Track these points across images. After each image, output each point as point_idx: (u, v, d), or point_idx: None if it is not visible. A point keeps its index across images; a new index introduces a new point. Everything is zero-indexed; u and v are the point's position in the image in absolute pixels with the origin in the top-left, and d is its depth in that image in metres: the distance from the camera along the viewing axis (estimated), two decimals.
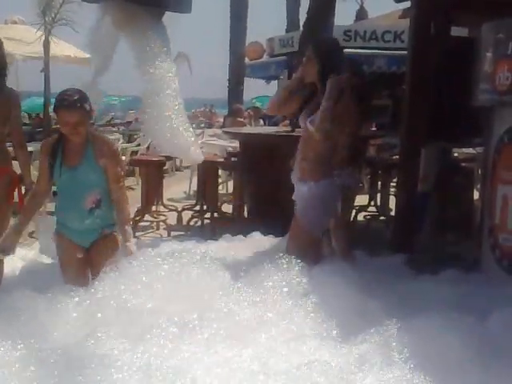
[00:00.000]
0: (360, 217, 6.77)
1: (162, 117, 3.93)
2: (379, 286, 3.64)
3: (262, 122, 12.62)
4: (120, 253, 3.33)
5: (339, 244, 4.29)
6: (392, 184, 6.77)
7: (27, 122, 15.33)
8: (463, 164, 6.33)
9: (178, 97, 3.96)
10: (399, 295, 3.53)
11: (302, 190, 3.84)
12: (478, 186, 5.52)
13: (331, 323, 2.88)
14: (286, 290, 3.15)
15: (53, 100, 16.30)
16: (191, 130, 4.18)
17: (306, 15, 7.40)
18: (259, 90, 19.73)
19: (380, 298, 3.29)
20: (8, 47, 11.07)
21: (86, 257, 3.43)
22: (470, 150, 6.54)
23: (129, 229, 3.43)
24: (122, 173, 3.45)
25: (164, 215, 6.67)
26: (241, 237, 4.96)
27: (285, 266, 3.31)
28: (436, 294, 3.51)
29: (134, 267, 3.15)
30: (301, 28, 8.17)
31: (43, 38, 10.40)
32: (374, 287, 3.57)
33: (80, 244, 3.42)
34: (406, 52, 5.28)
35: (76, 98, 3.22)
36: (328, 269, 3.69)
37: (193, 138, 4.10)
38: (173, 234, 6.11)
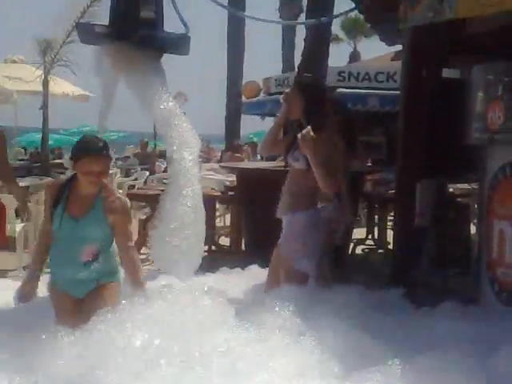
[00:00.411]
0: (358, 250, 6.87)
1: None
2: (378, 321, 3.68)
3: (259, 156, 12.80)
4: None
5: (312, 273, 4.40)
6: (389, 218, 6.90)
7: (24, 157, 15.52)
8: (459, 199, 6.47)
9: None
10: (399, 331, 3.56)
11: (284, 222, 3.92)
12: (475, 221, 5.64)
13: (331, 361, 2.89)
14: (285, 327, 3.18)
15: (53, 136, 16.40)
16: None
17: (300, 57, 7.64)
18: (255, 126, 19.99)
19: (379, 334, 3.31)
20: (7, 85, 11.32)
21: (81, 307, 3.21)
22: (465, 186, 6.68)
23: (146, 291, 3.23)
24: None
25: None
26: (239, 269, 5.01)
27: (283, 301, 3.36)
28: (436, 330, 3.56)
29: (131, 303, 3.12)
30: (296, 69, 8.40)
31: (42, 76, 10.63)
32: (373, 323, 3.59)
33: (74, 295, 3.23)
34: (398, 92, 5.46)
35: (101, 144, 3.08)
36: (326, 305, 3.75)
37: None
38: None
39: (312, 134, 3.66)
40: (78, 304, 3.21)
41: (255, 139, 17.98)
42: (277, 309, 3.37)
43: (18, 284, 4.22)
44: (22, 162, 13.01)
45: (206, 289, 3.50)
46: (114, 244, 3.30)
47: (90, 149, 3.06)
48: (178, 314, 3.14)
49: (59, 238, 3.18)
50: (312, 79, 4.06)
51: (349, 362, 2.92)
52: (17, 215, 6.08)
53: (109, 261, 3.26)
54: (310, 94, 3.81)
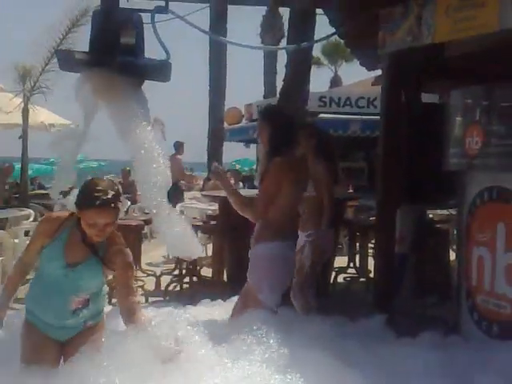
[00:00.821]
0: (340, 278, 6.77)
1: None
2: (360, 352, 3.62)
3: (241, 184, 12.75)
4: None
5: (295, 302, 4.33)
6: (370, 245, 6.82)
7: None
8: (438, 225, 6.43)
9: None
10: (380, 362, 3.48)
11: (250, 252, 3.83)
12: (454, 247, 5.58)
13: None
14: (268, 360, 3.08)
15: (33, 165, 16.15)
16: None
17: (282, 82, 7.63)
18: (239, 153, 20.00)
19: (360, 366, 3.24)
20: None
21: (64, 350, 2.89)
22: (445, 212, 6.65)
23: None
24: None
25: (142, 280, 6.56)
26: (220, 301, 4.89)
27: (264, 337, 3.27)
28: (417, 360, 3.48)
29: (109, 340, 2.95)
30: (278, 94, 8.39)
31: (22, 105, 10.52)
32: (355, 354, 3.54)
33: (55, 338, 2.87)
34: (379, 117, 5.44)
35: (111, 195, 2.69)
36: (308, 336, 3.67)
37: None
38: (151, 299, 5.99)
39: (220, 168, 3.79)
40: (60, 346, 2.89)
41: (238, 166, 17.97)
42: (259, 341, 3.23)
43: None
44: None
45: (187, 325, 3.38)
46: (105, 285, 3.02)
47: (96, 200, 2.66)
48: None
49: (47, 282, 2.81)
50: (275, 107, 4.04)
51: None
52: None
53: (98, 302, 2.97)
54: (275, 122, 3.79)
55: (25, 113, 10.33)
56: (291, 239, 3.79)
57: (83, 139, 3.97)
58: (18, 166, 12.95)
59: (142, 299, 6.09)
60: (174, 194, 10.07)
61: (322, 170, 4.52)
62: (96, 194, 2.67)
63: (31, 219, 7.11)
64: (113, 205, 2.70)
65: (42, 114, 11.33)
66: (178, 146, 11.08)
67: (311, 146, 4.57)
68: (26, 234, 6.88)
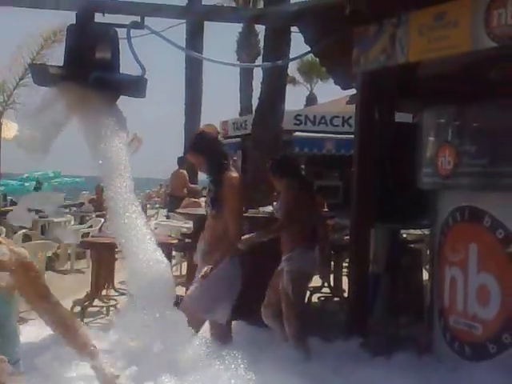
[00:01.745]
0: (314, 298, 6.72)
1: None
2: (332, 375, 3.62)
3: None
4: None
5: (289, 330, 4.22)
6: (345, 264, 6.78)
7: None
8: (412, 245, 6.42)
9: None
10: None
11: None
12: (427, 267, 5.58)
13: None
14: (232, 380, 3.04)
15: (4, 181, 15.76)
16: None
17: (258, 99, 7.62)
18: None
19: None
20: None
21: None
22: (418, 231, 6.66)
23: (98, 357, 2.46)
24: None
25: (115, 299, 6.41)
26: None
27: (232, 362, 3.20)
28: (391, 382, 3.47)
29: None
30: (254, 112, 8.38)
31: None
32: (326, 376, 3.52)
33: None
34: (353, 136, 5.43)
35: None
36: (281, 360, 3.62)
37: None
38: None
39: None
40: None
41: None
42: (229, 364, 3.20)
43: None
44: None
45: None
46: None
47: None
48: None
49: None
50: (196, 135, 4.11)
51: None
52: None
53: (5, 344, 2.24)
54: (201, 147, 3.91)
55: None
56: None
57: (42, 150, 3.90)
58: None
59: (115, 319, 5.97)
60: (172, 206, 10.17)
61: (283, 188, 4.48)
62: None
63: (3, 235, 6.94)
64: None
65: (15, 129, 11.15)
66: (182, 161, 11.16)
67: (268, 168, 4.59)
68: None
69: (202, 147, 3.89)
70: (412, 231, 6.90)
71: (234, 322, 4.83)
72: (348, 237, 5.85)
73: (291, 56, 6.96)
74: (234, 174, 3.84)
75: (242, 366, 3.16)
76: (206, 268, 3.65)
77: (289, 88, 7.63)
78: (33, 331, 4.66)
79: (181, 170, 11.43)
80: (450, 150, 3.90)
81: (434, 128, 4.12)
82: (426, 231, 5.63)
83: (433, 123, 4.14)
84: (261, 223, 5.57)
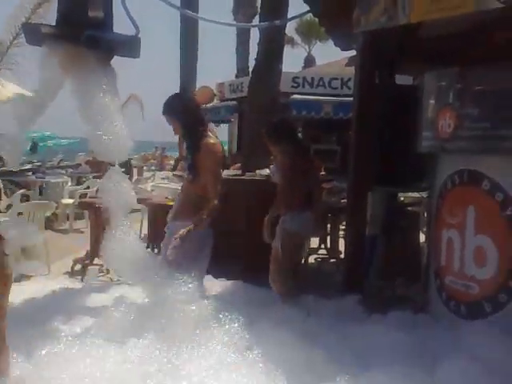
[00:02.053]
0: (311, 259, 6.79)
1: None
2: (328, 332, 3.64)
3: None
4: None
5: (274, 285, 4.34)
6: (341, 227, 6.84)
7: None
8: (409, 208, 6.47)
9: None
10: (349, 342, 3.51)
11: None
12: (424, 229, 5.63)
13: (277, 377, 2.82)
14: (232, 342, 3.11)
15: None
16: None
17: (254, 61, 7.54)
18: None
19: (328, 346, 3.27)
20: None
21: None
22: (416, 194, 6.69)
23: None
24: None
25: None
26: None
27: (228, 317, 3.25)
28: (385, 340, 3.51)
29: None
30: (250, 74, 8.29)
31: None
32: (323, 334, 3.55)
33: None
34: (352, 99, 5.40)
35: None
36: (274, 318, 3.66)
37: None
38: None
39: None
40: None
41: None
42: (224, 322, 3.27)
43: None
44: None
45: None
46: None
47: None
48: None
49: None
50: (170, 97, 4.00)
51: (295, 378, 2.86)
52: None
53: None
54: (177, 110, 3.82)
55: None
56: None
57: (40, 109, 3.87)
58: None
59: (115, 277, 6.04)
60: None
61: (286, 153, 4.47)
62: None
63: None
64: None
65: (10, 89, 11.01)
66: None
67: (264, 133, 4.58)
68: None
69: (177, 110, 3.81)
70: (410, 194, 6.94)
71: (231, 282, 4.92)
72: (345, 200, 5.89)
73: (289, 16, 6.86)
74: (212, 140, 3.79)
75: (240, 321, 3.22)
76: (182, 230, 3.65)
77: (286, 49, 7.54)
78: (34, 288, 4.74)
79: None
80: (450, 113, 3.89)
81: (435, 91, 4.10)
82: (424, 194, 5.66)
83: (434, 86, 4.12)
84: (258, 186, 5.60)
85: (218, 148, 3.79)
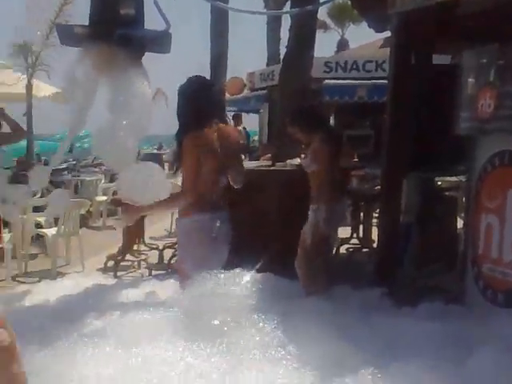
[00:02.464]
0: (342, 249, 6.67)
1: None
2: (360, 325, 3.56)
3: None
4: None
5: (299, 271, 4.30)
6: (375, 215, 6.70)
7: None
8: (446, 193, 6.27)
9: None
10: (380, 335, 3.42)
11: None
12: (462, 215, 5.45)
13: (306, 370, 2.75)
14: (258, 337, 3.02)
15: (38, 142, 15.82)
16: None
17: (285, 48, 7.41)
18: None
19: (358, 338, 3.19)
20: None
21: None
22: (454, 178, 6.48)
23: None
24: None
25: (145, 254, 6.60)
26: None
27: (259, 312, 3.18)
28: (416, 331, 3.41)
29: None
30: (281, 61, 8.17)
31: (25, 80, 10.34)
32: (354, 327, 3.48)
33: None
34: (387, 81, 5.25)
35: None
36: (307, 311, 3.60)
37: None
38: (154, 272, 6.00)
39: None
40: None
41: None
42: (253, 316, 3.17)
43: None
44: (7, 170, 12.73)
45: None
46: None
47: None
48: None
49: None
50: (183, 84, 3.71)
51: (324, 370, 2.78)
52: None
53: None
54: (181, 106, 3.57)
55: (29, 89, 10.18)
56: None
57: (81, 117, 3.84)
58: (23, 142, 12.89)
59: (146, 272, 6.13)
60: None
61: (316, 142, 4.33)
62: None
63: (38, 195, 7.07)
64: None
65: (45, 90, 11.15)
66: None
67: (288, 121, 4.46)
68: (35, 209, 6.92)
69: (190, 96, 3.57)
70: (447, 178, 6.72)
71: (260, 274, 4.85)
72: (379, 187, 5.74)
73: (321, 0, 6.72)
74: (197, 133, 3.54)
75: (266, 318, 3.15)
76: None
77: (319, 34, 7.39)
78: (69, 285, 4.80)
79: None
80: (491, 93, 3.72)
81: (474, 69, 3.92)
82: (463, 178, 5.47)
83: (473, 64, 3.94)
84: (289, 176, 5.49)
85: (197, 141, 3.51)
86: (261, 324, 3.15)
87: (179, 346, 2.93)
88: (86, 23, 3.88)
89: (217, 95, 3.96)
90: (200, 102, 3.55)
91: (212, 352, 2.86)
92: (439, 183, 6.56)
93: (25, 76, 10.36)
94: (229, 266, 4.12)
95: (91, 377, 2.58)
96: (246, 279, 4.59)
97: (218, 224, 3.51)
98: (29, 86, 10.18)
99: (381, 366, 2.77)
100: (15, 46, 10.63)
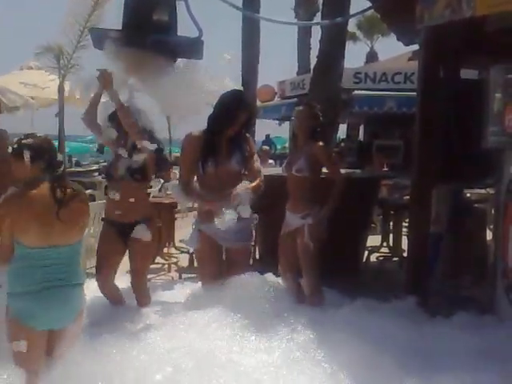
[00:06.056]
0: (373, 258, 6.72)
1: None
2: (392, 333, 3.58)
3: (272, 162, 12.69)
4: None
5: (309, 280, 4.29)
6: (404, 224, 6.74)
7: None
8: (476, 204, 6.29)
9: None
10: (412, 344, 3.46)
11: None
12: (491, 227, 5.46)
13: (341, 375, 2.82)
14: (293, 339, 3.11)
15: (70, 143, 16.06)
16: None
17: (316, 58, 7.52)
18: (272, 131, 19.87)
19: (392, 347, 3.23)
20: (23, 91, 11.33)
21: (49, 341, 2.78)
22: (483, 191, 6.50)
23: None
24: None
25: (175, 257, 6.63)
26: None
27: (294, 314, 3.27)
28: (451, 342, 3.45)
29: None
30: (311, 71, 8.28)
31: (57, 82, 10.60)
32: (387, 335, 3.50)
33: (47, 328, 2.75)
34: (416, 93, 5.31)
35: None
36: (339, 320, 3.66)
37: None
38: (184, 276, 6.03)
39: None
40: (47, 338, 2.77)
41: (264, 147, 17.90)
42: (288, 321, 3.30)
43: None
44: None
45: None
46: None
47: None
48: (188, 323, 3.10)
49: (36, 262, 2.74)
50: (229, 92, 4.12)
51: (358, 377, 2.85)
52: None
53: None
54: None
55: (61, 90, 10.41)
56: None
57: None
58: (55, 143, 13.14)
59: (176, 276, 6.19)
60: None
61: (319, 150, 4.38)
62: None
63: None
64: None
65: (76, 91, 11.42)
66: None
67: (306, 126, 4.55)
68: None
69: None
70: (477, 190, 6.74)
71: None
72: (408, 196, 5.79)
73: (351, 12, 6.80)
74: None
75: (305, 318, 3.23)
76: None
77: (348, 45, 7.48)
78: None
79: None
80: None
81: (501, 84, 3.97)
82: (492, 190, 5.50)
83: (500, 79, 3.99)
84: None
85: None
86: (292, 326, 3.25)
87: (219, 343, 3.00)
88: (118, 28, 4.02)
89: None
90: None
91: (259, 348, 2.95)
92: (468, 195, 6.57)
93: (55, 77, 10.60)
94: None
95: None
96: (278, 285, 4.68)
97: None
98: (61, 88, 10.40)
99: (418, 377, 2.84)
100: (46, 48, 10.89)
